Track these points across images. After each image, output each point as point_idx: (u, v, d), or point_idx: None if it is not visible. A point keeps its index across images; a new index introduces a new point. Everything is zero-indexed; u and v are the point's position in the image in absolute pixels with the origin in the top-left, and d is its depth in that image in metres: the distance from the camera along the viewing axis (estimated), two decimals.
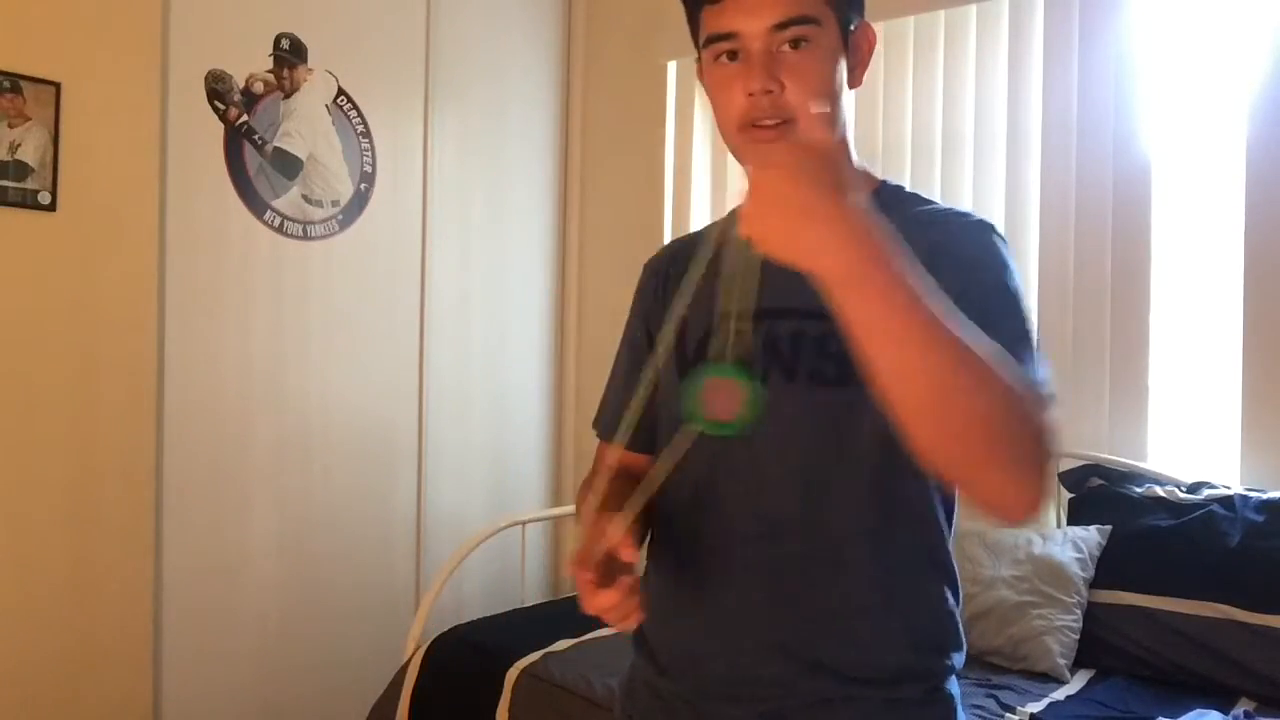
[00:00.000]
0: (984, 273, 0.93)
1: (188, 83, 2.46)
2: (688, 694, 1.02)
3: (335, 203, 2.76)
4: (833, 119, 0.99)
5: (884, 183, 1.07)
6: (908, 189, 1.08)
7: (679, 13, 1.06)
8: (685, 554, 1.00)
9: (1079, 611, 2.15)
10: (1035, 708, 1.93)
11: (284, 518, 2.67)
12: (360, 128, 2.82)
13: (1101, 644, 2.14)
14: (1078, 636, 2.13)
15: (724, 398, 0.87)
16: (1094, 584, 2.18)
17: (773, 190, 0.73)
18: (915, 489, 0.99)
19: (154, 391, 2.42)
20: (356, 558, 2.83)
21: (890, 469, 0.97)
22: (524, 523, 2.74)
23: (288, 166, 2.66)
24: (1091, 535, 2.23)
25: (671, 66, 3.22)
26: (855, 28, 1.01)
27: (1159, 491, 2.26)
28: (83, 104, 2.28)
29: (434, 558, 2.97)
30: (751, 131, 0.97)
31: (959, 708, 1.02)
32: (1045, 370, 0.88)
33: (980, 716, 1.89)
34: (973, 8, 2.67)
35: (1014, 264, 0.97)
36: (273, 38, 2.63)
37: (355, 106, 2.80)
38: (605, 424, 1.19)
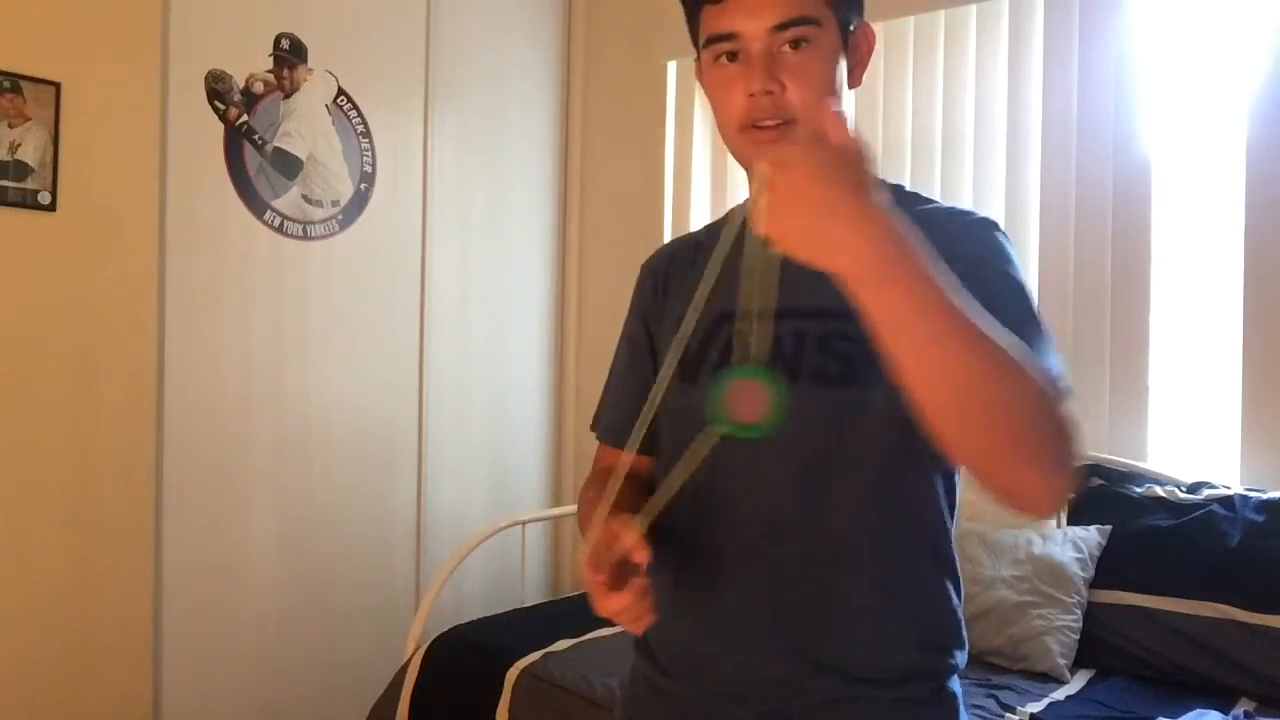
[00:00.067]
0: (991, 270, 0.93)
1: (188, 83, 2.46)
2: (692, 694, 1.02)
3: (335, 203, 2.76)
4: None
5: (882, 182, 1.07)
6: (908, 189, 1.08)
7: (679, 13, 1.05)
8: (688, 554, 0.99)
9: (1079, 611, 2.15)
10: (1035, 708, 1.93)
11: (284, 518, 2.67)
12: (360, 128, 2.82)
13: (1101, 644, 2.14)
14: (1078, 636, 2.13)
15: (748, 400, 0.86)
16: (1094, 584, 2.18)
17: (793, 189, 0.73)
18: (918, 486, 0.99)
19: (154, 391, 2.42)
20: (356, 558, 2.83)
21: (893, 467, 0.97)
22: (524, 523, 2.74)
23: (288, 166, 2.66)
24: (1091, 535, 2.23)
25: (671, 66, 3.22)
26: (855, 28, 1.01)
27: (1159, 491, 2.26)
28: (83, 104, 2.28)
29: (434, 558, 2.97)
30: (752, 132, 0.97)
31: (961, 707, 1.02)
32: (1059, 363, 0.88)
33: (980, 716, 1.89)
34: (973, 8, 2.67)
35: (1018, 259, 0.98)
36: (273, 38, 2.63)
37: (355, 106, 2.81)
38: (605, 425, 1.19)
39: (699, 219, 3.16)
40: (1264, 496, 2.15)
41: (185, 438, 2.47)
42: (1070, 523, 2.35)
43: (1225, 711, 1.89)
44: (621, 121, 3.33)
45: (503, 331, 3.24)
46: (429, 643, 2.35)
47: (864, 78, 1.04)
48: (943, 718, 1.00)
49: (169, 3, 2.42)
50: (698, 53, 1.03)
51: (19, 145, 2.19)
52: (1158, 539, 2.16)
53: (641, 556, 0.87)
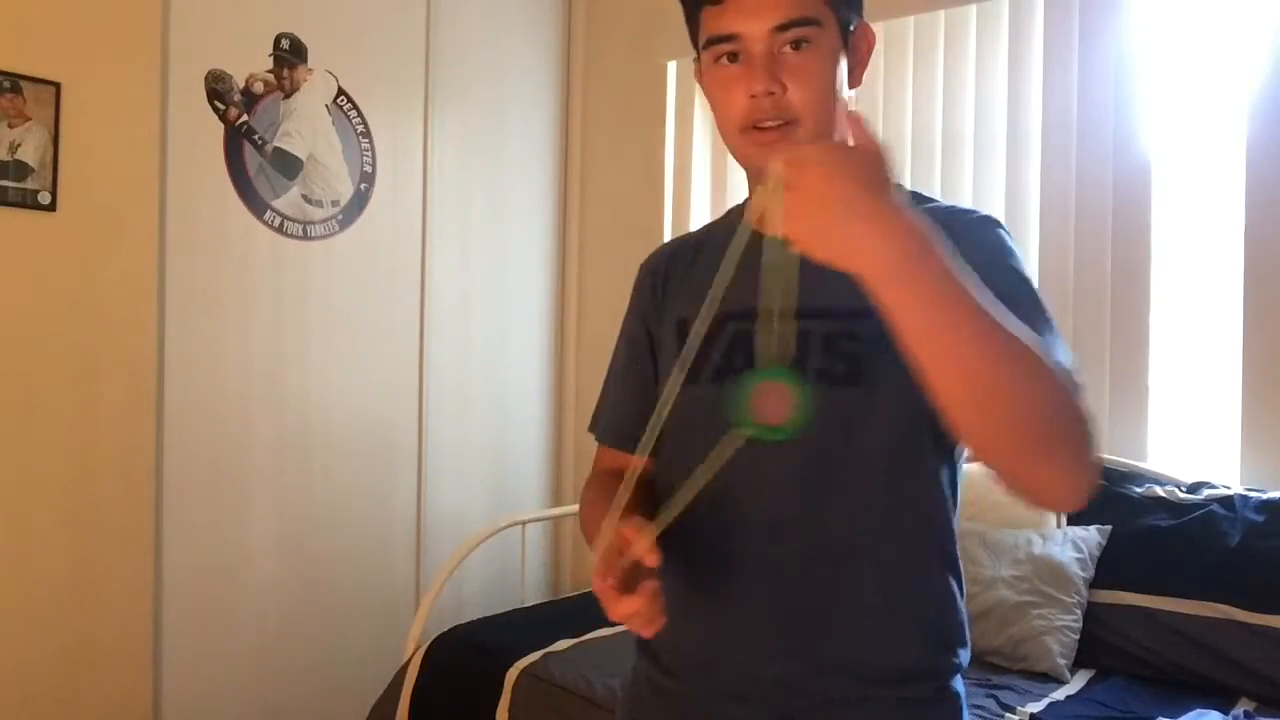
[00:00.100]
0: (998, 267, 0.93)
1: (188, 83, 2.46)
2: (696, 695, 1.02)
3: (335, 203, 2.76)
4: (835, 119, 0.99)
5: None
6: (907, 188, 1.08)
7: (679, 13, 1.05)
8: (693, 555, 0.99)
9: (1079, 611, 2.15)
10: (1035, 708, 1.93)
11: (284, 518, 2.67)
12: (360, 128, 2.82)
13: (1101, 644, 2.14)
14: (1078, 636, 2.13)
15: (773, 401, 0.84)
16: (1094, 584, 2.18)
17: (811, 189, 0.73)
18: (923, 483, 0.99)
19: (154, 391, 2.42)
20: (356, 558, 2.83)
21: (898, 466, 0.97)
22: (524, 523, 2.74)
23: (288, 166, 2.66)
24: (1091, 535, 2.23)
25: (671, 66, 3.22)
26: (855, 28, 1.01)
27: (1159, 491, 2.26)
28: (83, 104, 2.28)
29: (434, 558, 2.97)
30: (753, 133, 0.97)
31: (964, 706, 1.02)
32: (1070, 356, 0.89)
33: (980, 716, 1.89)
34: (973, 8, 2.67)
35: (1022, 255, 0.98)
36: (273, 38, 2.63)
37: (355, 106, 2.81)
38: (604, 426, 1.19)
39: (699, 219, 3.16)
40: (1264, 496, 2.15)
41: (185, 438, 2.47)
42: (1070, 523, 2.35)
43: (1225, 711, 1.88)
44: (621, 121, 3.33)
45: (503, 331, 3.24)
46: (429, 643, 2.35)
47: (864, 78, 1.04)
48: (945, 717, 1.00)
49: (169, 3, 2.42)
50: (697, 54, 1.03)
51: (19, 145, 2.19)
52: (1158, 539, 2.16)
53: (653, 560, 0.87)
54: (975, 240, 0.96)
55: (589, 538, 1.09)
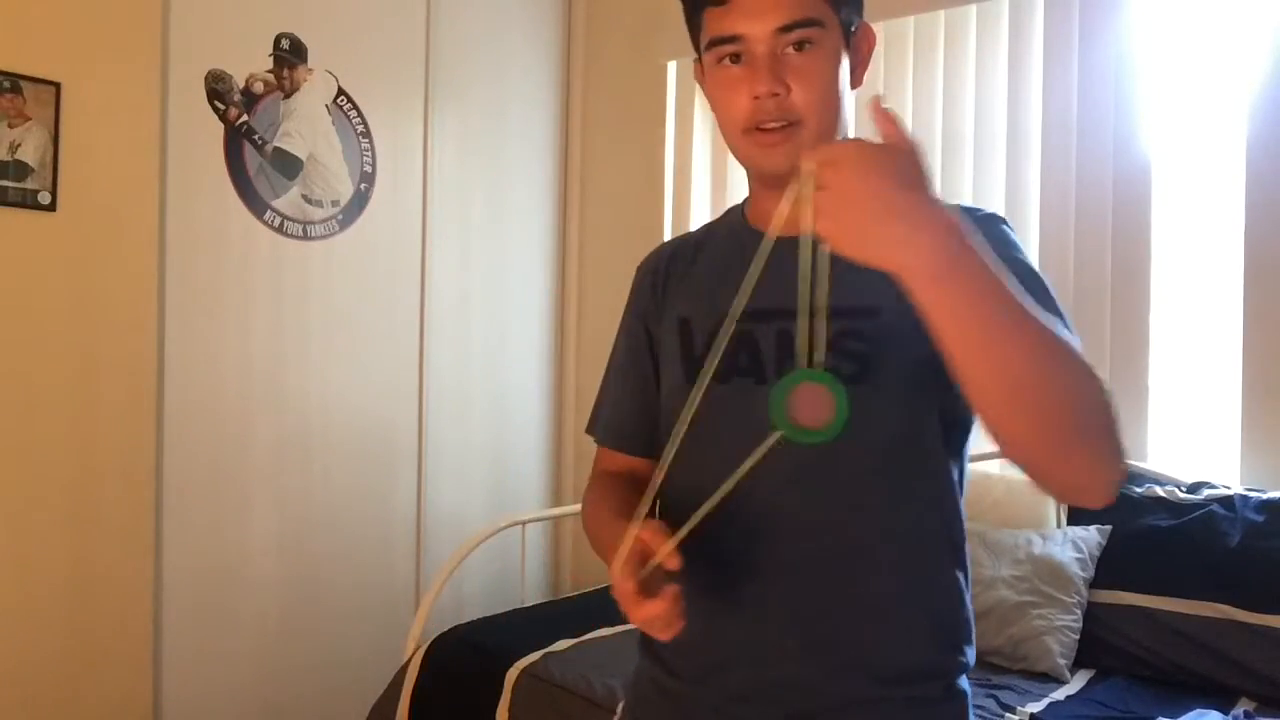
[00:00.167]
0: (1009, 263, 0.93)
1: (188, 83, 2.46)
2: (705, 697, 1.01)
3: (335, 203, 2.76)
4: (838, 119, 0.99)
5: None
6: None
7: (679, 13, 1.05)
8: (704, 556, 0.99)
9: (1079, 611, 2.15)
10: (1035, 708, 1.93)
11: (284, 518, 2.67)
12: (360, 128, 2.82)
13: (1101, 644, 2.14)
14: (1078, 636, 2.13)
15: (811, 403, 0.83)
16: (1094, 584, 2.18)
17: (845, 187, 0.73)
18: (933, 480, 0.99)
19: (154, 391, 2.42)
20: (356, 558, 2.83)
21: (909, 464, 0.97)
22: (524, 523, 2.74)
23: (288, 166, 2.66)
24: (1091, 535, 2.23)
25: (671, 66, 3.22)
26: (856, 29, 1.01)
27: (1159, 491, 2.26)
28: (83, 104, 2.28)
29: (434, 558, 2.97)
30: (756, 134, 0.97)
31: (970, 705, 1.02)
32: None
33: (980, 716, 1.89)
34: (973, 8, 2.67)
35: (1026, 251, 0.98)
36: (273, 38, 2.63)
37: (355, 106, 2.81)
38: (604, 426, 1.18)
39: (699, 219, 3.16)
40: (1264, 496, 2.15)
41: (185, 438, 2.47)
42: (1070, 523, 2.35)
43: (1225, 711, 1.89)
44: (621, 121, 3.33)
45: (503, 331, 3.24)
46: (429, 643, 2.35)
47: (864, 78, 1.04)
48: (954, 716, 1.00)
49: (169, 3, 2.42)
50: (698, 55, 1.03)
51: (19, 145, 2.19)
52: (1158, 539, 2.16)
53: (673, 564, 0.87)
54: (985, 237, 0.96)
55: (594, 541, 1.09)
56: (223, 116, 2.53)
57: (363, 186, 2.82)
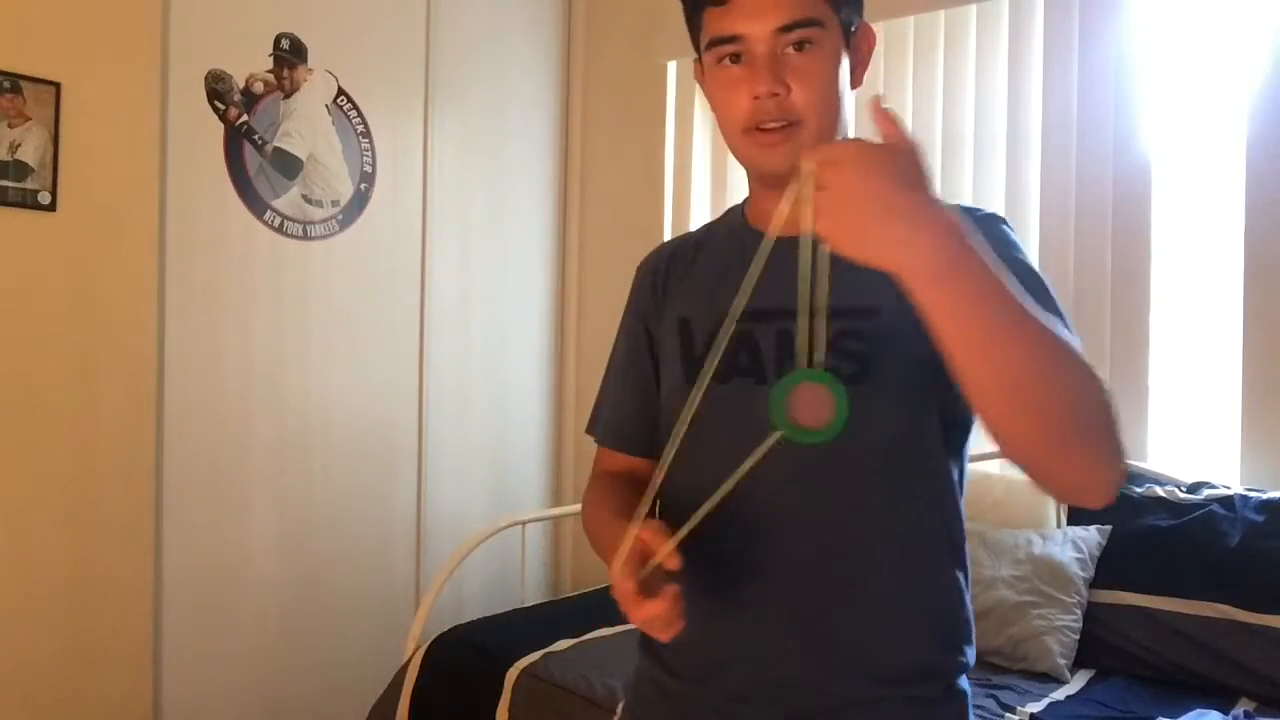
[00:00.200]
0: (1009, 263, 0.93)
1: (188, 83, 2.46)
2: (705, 697, 1.01)
3: (335, 203, 2.76)
4: (838, 120, 0.99)
5: None
6: None
7: (679, 13, 1.05)
8: (704, 556, 0.98)
9: (1079, 611, 2.15)
10: (1035, 708, 1.93)
11: (284, 518, 2.67)
12: (360, 128, 2.82)
13: (1101, 644, 2.14)
14: (1078, 636, 2.13)
15: (811, 403, 0.83)
16: (1094, 584, 2.18)
17: (846, 187, 0.73)
18: (933, 479, 0.99)
19: (154, 391, 2.42)
20: (356, 558, 2.83)
21: (909, 463, 0.97)
22: (524, 523, 2.74)
23: (288, 166, 2.66)
24: (1091, 535, 2.23)
25: (671, 66, 3.22)
26: (856, 29, 1.01)
27: (1159, 491, 2.26)
28: (83, 104, 2.28)
29: (434, 558, 2.97)
30: (756, 134, 0.97)
31: (970, 705, 1.02)
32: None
33: (980, 716, 1.89)
34: (973, 8, 2.67)
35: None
36: (273, 38, 2.63)
37: (355, 106, 2.80)
38: (604, 426, 1.18)
39: (699, 219, 3.16)
40: (1264, 496, 2.15)
41: (185, 438, 2.47)
42: (1070, 523, 2.35)
43: (1225, 711, 1.89)
44: (621, 121, 3.33)
45: (503, 331, 3.24)
46: (429, 643, 2.35)
47: (864, 78, 1.04)
48: (954, 716, 1.00)
49: (169, 3, 2.42)
50: (698, 55, 1.03)
51: (19, 145, 2.19)
52: (1158, 539, 2.16)
53: (673, 564, 0.87)
54: (986, 238, 0.96)
55: (594, 541, 1.09)
56: (223, 116, 2.53)
57: (363, 186, 2.83)
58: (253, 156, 2.59)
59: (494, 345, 3.21)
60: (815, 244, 0.79)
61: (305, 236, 2.69)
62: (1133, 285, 2.45)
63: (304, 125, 2.69)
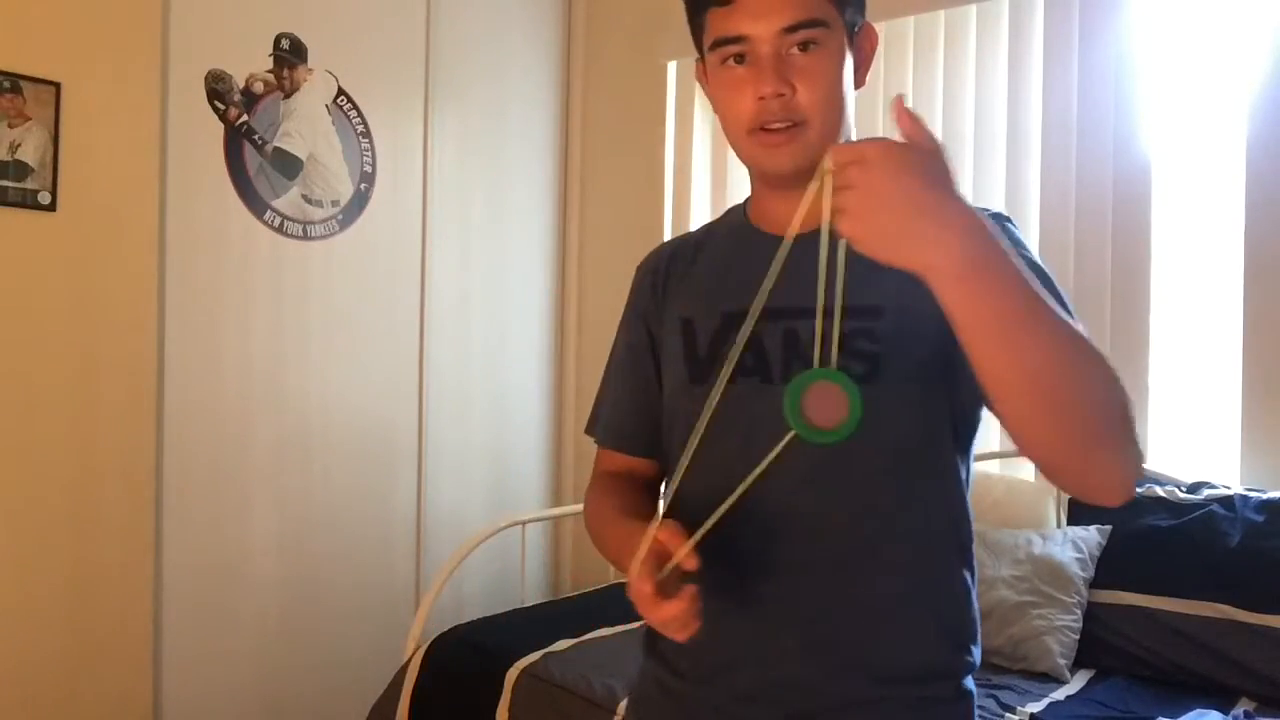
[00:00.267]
0: (1022, 263, 0.93)
1: (188, 83, 2.46)
2: (708, 697, 1.01)
3: (335, 203, 2.76)
4: (842, 120, 0.99)
5: None
6: None
7: (679, 13, 1.05)
8: (717, 556, 0.98)
9: (1079, 611, 2.15)
10: (1035, 708, 1.93)
11: (284, 518, 2.67)
12: (360, 128, 2.82)
13: (1101, 644, 2.14)
14: (1078, 636, 2.13)
15: (824, 403, 0.83)
16: (1094, 584, 2.18)
17: (874, 187, 0.72)
18: (942, 479, 0.99)
19: (154, 391, 2.42)
20: (356, 558, 2.83)
21: (918, 463, 0.97)
22: (524, 523, 2.74)
23: (288, 166, 2.66)
24: (1091, 535, 2.24)
25: (671, 66, 3.22)
26: (859, 29, 1.01)
27: (1159, 491, 2.26)
28: (83, 104, 2.28)
29: (434, 558, 2.97)
30: (760, 135, 0.97)
31: (975, 706, 1.02)
32: None
33: (980, 717, 1.88)
34: (973, 8, 2.67)
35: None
36: (273, 38, 2.63)
37: (355, 106, 2.80)
38: (604, 427, 1.18)
39: (699, 219, 3.16)
40: (1264, 496, 2.15)
41: (185, 438, 2.47)
42: (1070, 523, 2.35)
43: (1225, 711, 1.89)
44: (621, 121, 3.33)
45: (503, 331, 3.24)
46: (429, 643, 2.35)
47: (866, 78, 1.04)
48: (960, 715, 1.00)
49: (169, 3, 2.42)
50: (701, 55, 1.03)
51: (19, 145, 2.19)
52: (1158, 539, 2.16)
53: (691, 564, 0.87)
54: None
55: (598, 541, 1.08)
56: (223, 116, 2.53)
57: (363, 186, 2.82)
58: (253, 156, 2.59)
59: (494, 345, 3.21)
60: (833, 243, 0.79)
61: (305, 236, 2.69)
62: (1133, 285, 2.45)
63: (304, 125, 2.69)
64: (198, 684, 2.50)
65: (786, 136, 0.96)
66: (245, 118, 2.57)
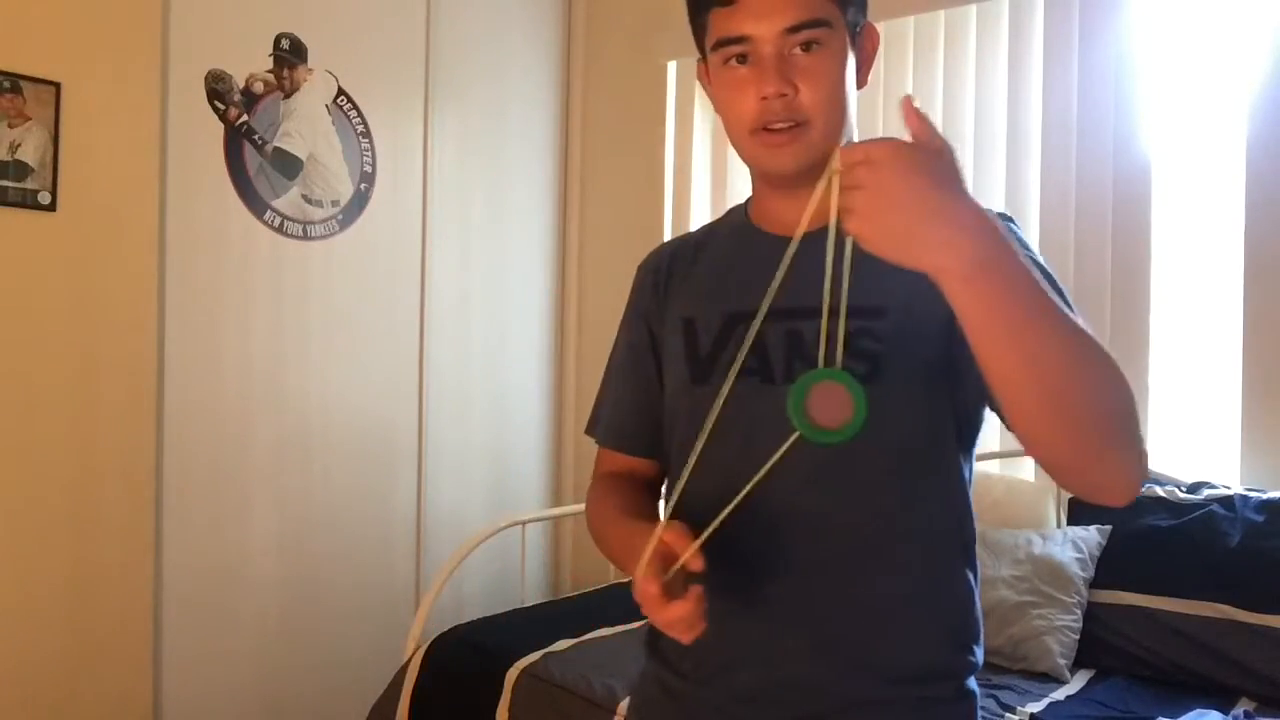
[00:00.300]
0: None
1: (188, 83, 2.46)
2: (711, 698, 1.01)
3: (335, 203, 2.76)
4: (845, 120, 0.99)
5: None
6: None
7: (679, 13, 1.05)
8: (721, 557, 0.97)
9: (1079, 611, 2.15)
10: (1035, 708, 1.93)
11: (284, 518, 2.67)
12: (360, 128, 2.82)
13: (1101, 644, 2.14)
14: (1078, 636, 2.13)
15: (828, 403, 0.83)
16: (1094, 584, 2.18)
17: (885, 188, 0.72)
18: (945, 479, 0.99)
19: (154, 391, 2.42)
20: (356, 558, 2.83)
21: (921, 463, 0.97)
22: (524, 523, 2.74)
23: (288, 166, 2.66)
24: (1091, 535, 2.24)
25: (671, 66, 3.22)
26: (861, 29, 1.01)
27: (1159, 491, 2.26)
28: (83, 104, 2.28)
29: (434, 558, 2.97)
30: (763, 135, 0.97)
31: (978, 706, 1.02)
32: None
33: (981, 717, 1.88)
34: (973, 8, 2.67)
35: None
36: (273, 38, 2.63)
37: (355, 106, 2.80)
38: (605, 427, 1.18)
39: (699, 219, 3.16)
40: (1264, 496, 2.15)
41: (185, 438, 2.47)
42: (1070, 523, 2.35)
43: (1225, 711, 1.89)
44: (621, 121, 3.33)
45: (503, 331, 3.24)
46: (429, 643, 2.35)
47: (868, 78, 1.04)
48: (963, 716, 1.00)
49: (169, 3, 2.42)
50: (702, 55, 1.03)
51: (19, 145, 2.19)
52: (1158, 539, 2.16)
53: (697, 565, 0.87)
54: None
55: (601, 541, 1.08)
56: (223, 116, 2.53)
57: (363, 186, 2.82)
58: (253, 156, 2.59)
59: (494, 345, 3.21)
60: (839, 243, 0.78)
61: (305, 236, 2.69)
62: (1133, 285, 2.45)
63: (304, 125, 2.69)
64: (198, 684, 2.50)
65: (789, 136, 0.96)
66: (245, 118, 2.57)
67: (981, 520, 2.33)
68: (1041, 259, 0.95)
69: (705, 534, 0.87)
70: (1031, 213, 2.59)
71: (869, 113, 2.83)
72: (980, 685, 2.08)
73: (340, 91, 2.77)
